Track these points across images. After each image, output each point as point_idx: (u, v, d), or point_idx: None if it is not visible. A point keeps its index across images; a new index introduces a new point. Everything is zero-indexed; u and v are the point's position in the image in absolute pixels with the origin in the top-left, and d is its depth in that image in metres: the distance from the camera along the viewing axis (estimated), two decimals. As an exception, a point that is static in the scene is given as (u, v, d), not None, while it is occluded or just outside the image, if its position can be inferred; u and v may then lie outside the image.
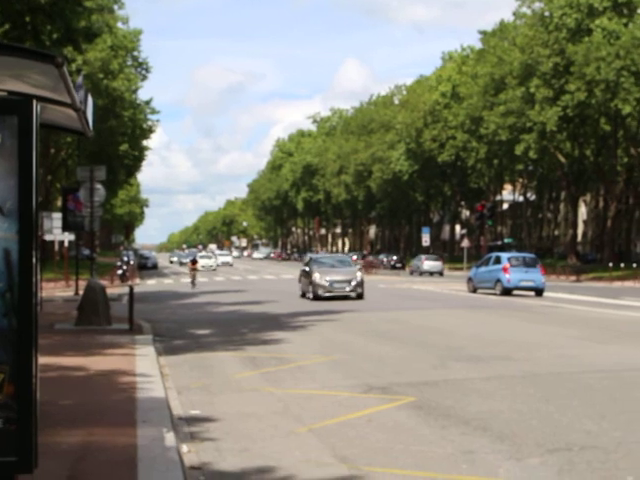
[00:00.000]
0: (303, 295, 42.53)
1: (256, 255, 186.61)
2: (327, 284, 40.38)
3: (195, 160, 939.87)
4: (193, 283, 53.92)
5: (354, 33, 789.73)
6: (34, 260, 6.16)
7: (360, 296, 40.46)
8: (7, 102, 6.36)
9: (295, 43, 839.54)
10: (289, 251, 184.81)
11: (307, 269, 42.08)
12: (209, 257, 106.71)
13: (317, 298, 39.91)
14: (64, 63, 6.02)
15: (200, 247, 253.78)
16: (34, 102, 6.28)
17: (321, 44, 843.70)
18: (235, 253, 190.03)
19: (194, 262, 56.93)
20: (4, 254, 6.11)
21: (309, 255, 57.74)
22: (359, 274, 41.43)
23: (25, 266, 6.12)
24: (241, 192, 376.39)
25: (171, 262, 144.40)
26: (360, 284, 40.77)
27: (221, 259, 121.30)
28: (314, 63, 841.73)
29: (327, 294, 40.17)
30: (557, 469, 9.33)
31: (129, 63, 76.64)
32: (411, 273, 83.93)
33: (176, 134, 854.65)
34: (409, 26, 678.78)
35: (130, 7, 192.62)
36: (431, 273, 79.67)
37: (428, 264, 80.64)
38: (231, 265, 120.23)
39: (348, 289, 40.38)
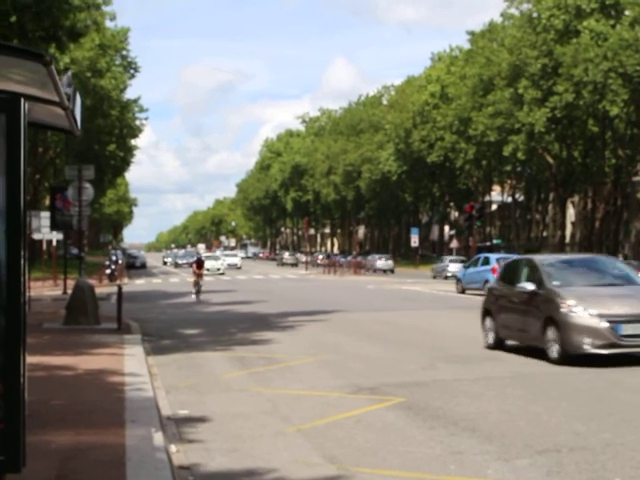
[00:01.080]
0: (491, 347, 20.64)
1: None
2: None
3: (184, 159, 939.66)
4: (198, 293, 42.14)
5: (343, 33, 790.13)
6: (22, 259, 6.14)
7: None
8: (-5, 100, 6.34)
9: (284, 43, 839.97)
10: (277, 251, 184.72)
11: (528, 288, 18.60)
12: (215, 258, 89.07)
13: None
14: (52, 61, 6.01)
15: (189, 247, 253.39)
16: (22, 100, 6.26)
17: (310, 44, 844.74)
18: (241, 254, 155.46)
19: (200, 265, 44.27)
20: (-8, 253, 6.08)
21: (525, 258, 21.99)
22: None
23: (13, 265, 6.10)
24: (230, 192, 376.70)
25: (165, 263, 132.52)
26: None
27: (228, 260, 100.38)
28: (303, 63, 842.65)
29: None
30: (546, 470, 9.32)
31: (117, 62, 76.44)
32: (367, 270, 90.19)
33: (165, 133, 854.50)
34: (397, 26, 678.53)
35: (119, 5, 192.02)
36: (384, 271, 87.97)
37: (380, 263, 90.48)
38: (239, 268, 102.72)
39: None
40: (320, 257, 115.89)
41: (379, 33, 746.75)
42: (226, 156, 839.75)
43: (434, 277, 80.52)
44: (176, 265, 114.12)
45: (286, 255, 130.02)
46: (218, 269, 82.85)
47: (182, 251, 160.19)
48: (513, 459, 9.80)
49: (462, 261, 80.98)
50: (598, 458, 9.78)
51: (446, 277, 71.43)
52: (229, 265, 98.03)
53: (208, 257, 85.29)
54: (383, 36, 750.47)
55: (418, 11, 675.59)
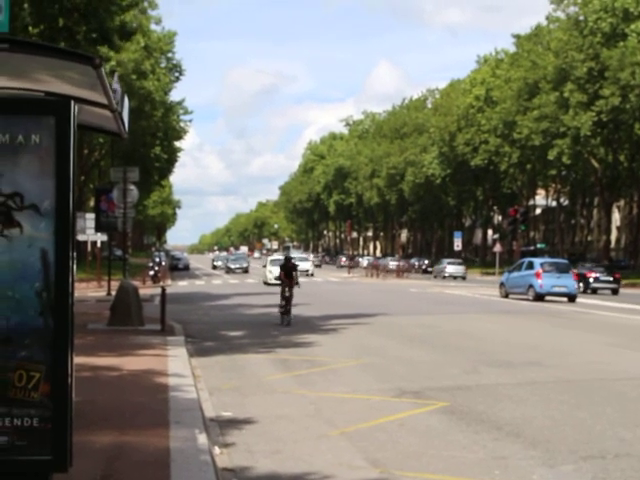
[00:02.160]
0: None
1: (256, 255, 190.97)
2: None
3: (227, 161, 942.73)
4: (286, 313, 28.73)
5: (387, 36, 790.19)
6: (71, 260, 6.19)
7: None
8: (45, 103, 6.40)
9: (328, 45, 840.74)
10: (320, 254, 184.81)
11: None
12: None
13: None
14: (102, 64, 6.05)
15: (232, 249, 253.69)
16: (72, 103, 6.31)
17: (354, 47, 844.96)
18: (312, 257, 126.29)
19: (289, 271, 29.85)
20: (41, 254, 6.14)
21: None
22: None
23: (62, 266, 6.15)
24: (273, 194, 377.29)
25: (214, 267, 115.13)
26: None
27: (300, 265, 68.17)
28: (347, 66, 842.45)
29: None
30: (591, 476, 9.27)
31: (163, 65, 76.82)
32: (434, 277, 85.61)
33: (208, 135, 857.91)
34: (443, 29, 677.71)
35: (164, 9, 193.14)
36: (454, 277, 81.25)
37: (451, 268, 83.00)
38: (311, 275, 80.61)
39: None
40: (366, 261, 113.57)
41: (424, 36, 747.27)
42: (270, 158, 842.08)
43: (435, 277, 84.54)
44: (228, 270, 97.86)
45: (343, 259, 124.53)
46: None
47: (234, 253, 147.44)
48: (558, 465, 9.75)
49: (460, 263, 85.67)
50: (644, 465, 9.71)
51: (444, 277, 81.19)
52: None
53: (274, 261, 61.60)
54: (428, 39, 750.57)
55: (464, 14, 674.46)
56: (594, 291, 53.30)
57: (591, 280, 53.60)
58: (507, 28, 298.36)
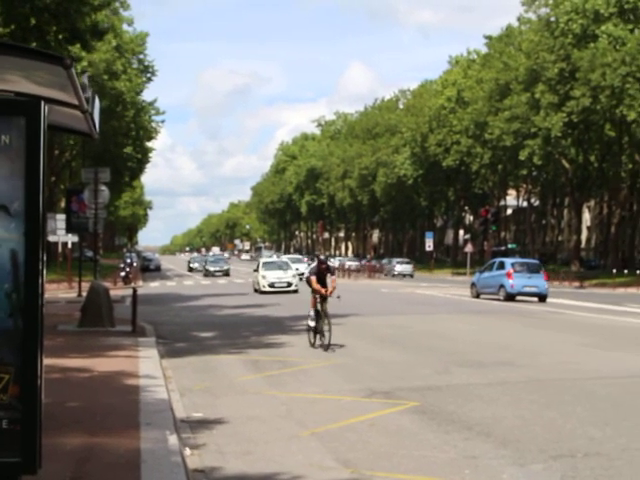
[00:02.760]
0: None
1: (244, 257, 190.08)
2: None
3: (200, 162, 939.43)
4: (320, 333, 21.77)
5: (360, 37, 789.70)
6: (41, 261, 6.17)
7: None
8: (15, 103, 6.37)
9: (301, 46, 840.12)
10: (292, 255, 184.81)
11: None
12: (283, 267, 54.69)
13: None
14: (72, 64, 6.03)
15: (204, 250, 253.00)
16: (42, 103, 6.29)
17: (328, 47, 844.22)
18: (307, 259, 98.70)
19: (323, 274, 22.46)
20: (11, 255, 6.12)
21: None
22: None
23: (32, 267, 6.13)
24: (245, 195, 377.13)
25: (191, 270, 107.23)
26: None
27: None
28: (320, 66, 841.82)
29: None
30: (560, 475, 9.32)
31: (135, 66, 76.63)
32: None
33: (181, 136, 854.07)
34: (415, 30, 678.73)
35: (137, 10, 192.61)
36: (403, 275, 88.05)
37: (400, 267, 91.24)
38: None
39: None
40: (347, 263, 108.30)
41: (397, 37, 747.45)
42: (242, 159, 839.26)
43: (385, 275, 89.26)
44: (206, 273, 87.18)
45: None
46: (288, 284, 51.84)
47: (213, 254, 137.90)
48: (528, 464, 9.80)
49: (407, 262, 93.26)
50: (614, 464, 9.78)
51: (393, 275, 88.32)
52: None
53: (268, 263, 55.27)
54: (401, 40, 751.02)
55: (437, 15, 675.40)
56: None
57: None
58: (480, 28, 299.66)
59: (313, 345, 21.73)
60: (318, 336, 21.81)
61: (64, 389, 13.65)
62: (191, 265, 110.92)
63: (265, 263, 55.18)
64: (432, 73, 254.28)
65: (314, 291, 22.32)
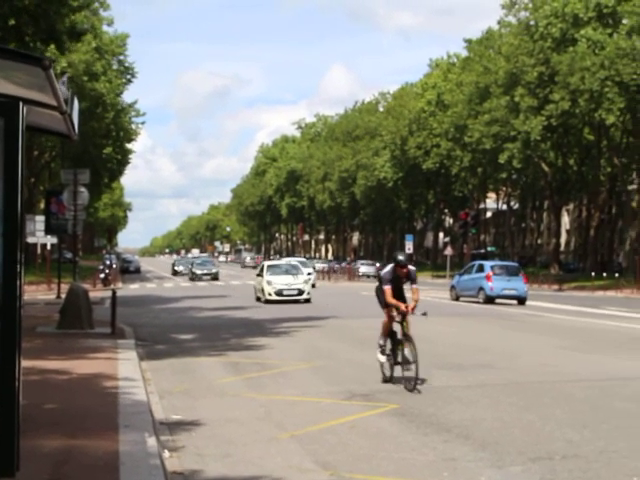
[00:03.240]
0: None
1: (221, 259, 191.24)
2: None
3: (180, 164, 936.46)
4: (404, 363, 15.68)
5: (340, 39, 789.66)
6: (19, 263, 6.14)
7: None
8: (-7, 104, 6.34)
9: (282, 48, 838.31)
10: (272, 257, 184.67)
11: None
12: (292, 271, 45.77)
13: None
14: (51, 65, 6.01)
15: (183, 252, 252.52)
16: (20, 105, 6.27)
17: (308, 50, 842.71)
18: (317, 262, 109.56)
19: (401, 282, 16.55)
20: (-12, 256, 6.08)
21: None
22: None
23: (10, 269, 6.10)
24: (226, 197, 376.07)
25: (175, 273, 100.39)
26: None
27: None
28: (301, 69, 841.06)
29: None
30: (539, 477, 9.35)
31: (115, 67, 76.42)
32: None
33: (161, 138, 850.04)
34: (396, 33, 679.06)
35: (117, 10, 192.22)
36: (367, 276, 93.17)
37: (364, 268, 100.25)
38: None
39: None
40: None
41: (377, 40, 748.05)
42: (222, 161, 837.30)
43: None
44: (193, 277, 79.62)
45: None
46: (299, 292, 43.80)
47: (199, 256, 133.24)
48: (506, 466, 9.82)
49: (371, 264, 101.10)
50: (591, 466, 9.81)
51: (359, 275, 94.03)
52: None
53: (273, 267, 46.52)
54: (381, 43, 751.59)
55: (417, 18, 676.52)
56: None
57: None
58: (461, 32, 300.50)
59: (390, 380, 16.06)
60: (395, 367, 16.04)
61: (42, 391, 13.59)
62: (176, 268, 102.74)
63: (270, 266, 46.61)
64: (413, 76, 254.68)
65: (388, 306, 16.31)
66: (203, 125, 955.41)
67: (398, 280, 16.22)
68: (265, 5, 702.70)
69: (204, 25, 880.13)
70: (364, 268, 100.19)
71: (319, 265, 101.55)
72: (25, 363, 15.05)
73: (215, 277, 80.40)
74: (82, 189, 29.67)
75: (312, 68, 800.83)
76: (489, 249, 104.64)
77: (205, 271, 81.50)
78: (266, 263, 48.97)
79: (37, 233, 44.00)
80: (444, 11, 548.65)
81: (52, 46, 35.65)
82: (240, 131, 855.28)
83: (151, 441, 10.13)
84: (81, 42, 51.69)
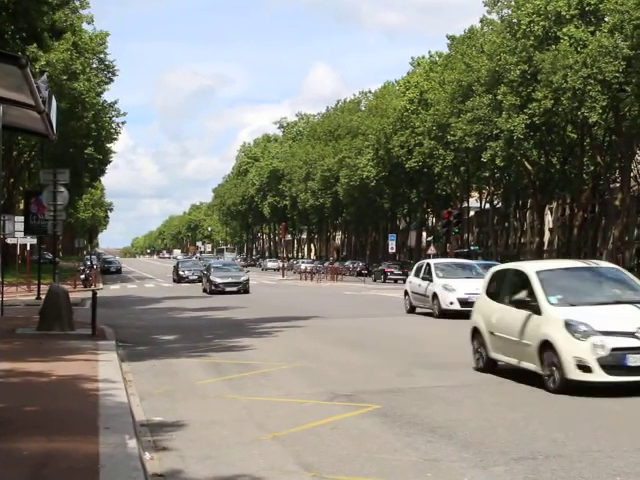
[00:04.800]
0: None
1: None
2: None
3: (162, 164, 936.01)
4: None
5: (324, 39, 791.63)
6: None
7: None
8: (-33, 102, 6.24)
9: (265, 48, 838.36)
10: (255, 257, 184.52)
11: None
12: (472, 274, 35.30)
13: None
14: (28, 64, 5.92)
15: (165, 252, 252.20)
16: (-5, 103, 6.17)
17: (291, 49, 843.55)
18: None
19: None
20: (-38, 258, 5.99)
21: None
22: None
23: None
24: (208, 197, 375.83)
25: (180, 279, 72.94)
26: None
27: None
28: (284, 68, 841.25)
29: None
30: (522, 477, 9.31)
31: (95, 65, 76.20)
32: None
33: (142, 138, 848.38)
34: (380, 32, 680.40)
35: (99, 9, 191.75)
36: (274, 270, 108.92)
37: (270, 264, 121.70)
38: None
39: None
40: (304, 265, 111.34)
41: (361, 39, 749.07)
42: (204, 161, 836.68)
43: (261, 269, 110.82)
44: (213, 288, 54.68)
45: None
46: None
47: (219, 258, 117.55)
48: (490, 466, 9.77)
49: (311, 262, 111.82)
50: (575, 465, 9.77)
51: (266, 269, 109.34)
52: None
53: (444, 268, 36.27)
54: (365, 42, 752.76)
55: (401, 17, 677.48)
56: (387, 280, 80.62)
57: (388, 274, 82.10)
58: (445, 31, 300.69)
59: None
60: None
61: (22, 393, 13.48)
62: (180, 273, 74.25)
63: (442, 268, 35.52)
64: (397, 75, 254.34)
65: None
66: (186, 125, 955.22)
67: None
68: (248, 4, 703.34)
69: (188, 25, 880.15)
70: (270, 264, 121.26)
71: (303, 265, 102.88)
72: (4, 365, 14.97)
73: (244, 288, 55.23)
74: (62, 189, 29.46)
75: (296, 67, 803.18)
76: (472, 248, 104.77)
77: (229, 279, 55.77)
78: (434, 262, 37.56)
79: (17, 234, 43.76)
80: (429, 10, 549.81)
81: (31, 45, 35.44)
82: (223, 131, 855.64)
83: (132, 443, 10.04)
84: (59, 40, 51.38)
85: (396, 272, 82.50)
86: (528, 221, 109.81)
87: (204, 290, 56.23)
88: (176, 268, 77.50)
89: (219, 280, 55.11)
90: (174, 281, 74.60)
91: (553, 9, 68.39)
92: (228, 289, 54.00)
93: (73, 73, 65.14)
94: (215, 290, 54.13)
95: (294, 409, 13.56)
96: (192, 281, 69.39)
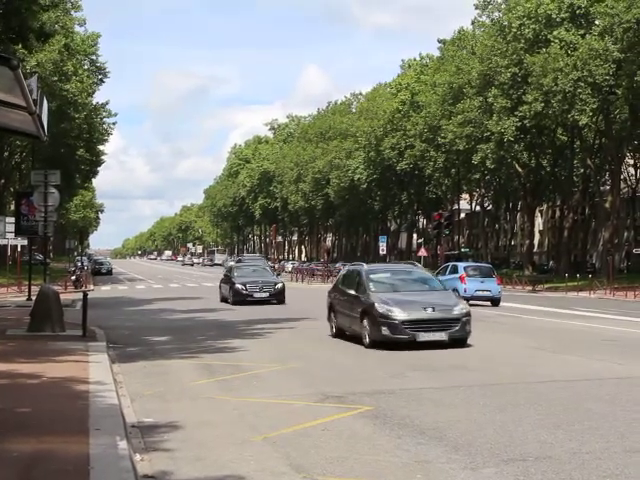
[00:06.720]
0: None
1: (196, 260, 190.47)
2: None
3: (154, 165, 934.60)
4: None
5: (317, 40, 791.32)
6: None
7: None
8: (-41, 103, 6.23)
9: (258, 49, 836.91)
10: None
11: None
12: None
13: None
14: (19, 65, 5.92)
15: (155, 254, 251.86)
16: (-14, 104, 6.17)
17: (284, 50, 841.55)
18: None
19: None
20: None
21: None
22: None
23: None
24: (200, 198, 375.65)
25: (239, 298, 43.23)
26: None
27: None
28: (278, 69, 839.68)
29: None
30: (512, 479, 9.31)
31: (86, 67, 76.13)
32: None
33: (134, 138, 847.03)
34: (372, 34, 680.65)
35: (92, 10, 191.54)
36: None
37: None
38: None
39: None
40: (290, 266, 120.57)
41: (354, 41, 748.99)
42: (197, 162, 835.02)
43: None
44: (235, 298, 43.13)
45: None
46: None
47: (243, 260, 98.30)
48: (480, 468, 9.77)
49: (258, 258, 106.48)
50: (564, 467, 9.78)
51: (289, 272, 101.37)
52: None
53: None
54: (357, 44, 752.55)
55: (393, 19, 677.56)
56: None
57: None
58: (437, 33, 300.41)
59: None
60: None
61: (12, 395, 13.45)
62: (239, 286, 44.07)
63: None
64: (389, 76, 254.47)
65: None
66: (178, 125, 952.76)
67: None
68: (242, 6, 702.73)
69: (181, 25, 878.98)
70: (290, 266, 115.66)
71: (290, 266, 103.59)
72: (-6, 366, 14.88)
73: (278, 297, 44.53)
74: (53, 190, 29.44)
75: (289, 68, 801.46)
76: (463, 250, 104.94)
77: (259, 287, 44.37)
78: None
79: (7, 235, 43.72)
80: (421, 11, 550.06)
81: (22, 46, 35.40)
82: (216, 131, 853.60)
83: (122, 444, 10.02)
84: (49, 42, 51.31)
85: None
86: (518, 223, 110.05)
87: (222, 299, 45.59)
88: (229, 279, 45.97)
89: (245, 287, 43.87)
90: (223, 301, 45.75)
91: (544, 12, 68.63)
92: (257, 296, 43.42)
93: (65, 74, 65.05)
94: (239, 300, 42.88)
95: (285, 410, 13.56)
96: (261, 301, 43.56)
